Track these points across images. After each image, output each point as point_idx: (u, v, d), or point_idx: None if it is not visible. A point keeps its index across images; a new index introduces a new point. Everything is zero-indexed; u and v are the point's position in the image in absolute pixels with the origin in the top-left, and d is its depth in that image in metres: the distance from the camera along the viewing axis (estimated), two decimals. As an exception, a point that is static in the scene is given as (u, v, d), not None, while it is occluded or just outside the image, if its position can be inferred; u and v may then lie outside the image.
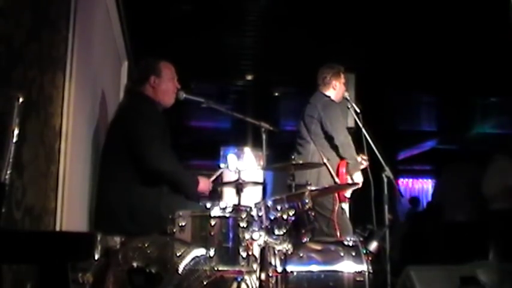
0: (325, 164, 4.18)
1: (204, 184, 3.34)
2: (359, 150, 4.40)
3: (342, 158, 4.28)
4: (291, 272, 2.73)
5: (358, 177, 4.27)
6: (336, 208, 4.14)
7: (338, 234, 4.04)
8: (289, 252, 2.76)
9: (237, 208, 2.77)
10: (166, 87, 3.41)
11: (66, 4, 2.72)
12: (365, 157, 4.40)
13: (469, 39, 5.90)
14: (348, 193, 4.34)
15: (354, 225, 4.21)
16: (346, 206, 4.52)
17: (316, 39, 6.09)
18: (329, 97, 4.43)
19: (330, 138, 4.27)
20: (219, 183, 3.65)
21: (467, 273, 3.30)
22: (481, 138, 9.05)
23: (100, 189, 3.25)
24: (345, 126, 4.41)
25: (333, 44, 6.07)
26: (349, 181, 4.27)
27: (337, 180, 4.22)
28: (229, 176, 3.74)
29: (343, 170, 4.27)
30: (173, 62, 3.53)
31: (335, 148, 4.26)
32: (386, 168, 4.17)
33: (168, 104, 3.44)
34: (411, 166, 12.01)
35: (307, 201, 2.95)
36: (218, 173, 3.66)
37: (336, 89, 4.46)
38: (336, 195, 4.17)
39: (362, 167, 4.37)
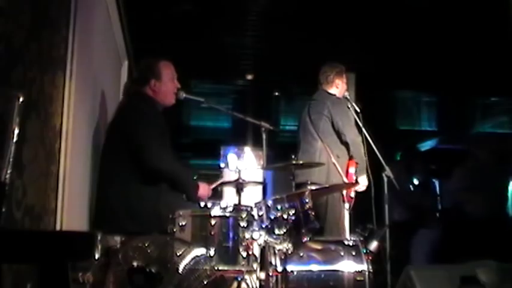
0: (333, 162, 4.15)
1: (204, 189, 3.33)
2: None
3: (351, 157, 4.27)
4: (291, 271, 2.73)
5: (363, 180, 4.27)
6: (343, 213, 4.15)
7: (346, 234, 4.06)
8: (290, 252, 2.76)
9: (237, 208, 2.77)
10: (167, 89, 3.40)
11: (66, 4, 2.72)
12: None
13: (469, 38, 5.90)
14: (352, 193, 4.33)
15: (354, 225, 4.21)
16: (347, 206, 4.52)
17: (316, 38, 6.09)
18: (334, 95, 4.42)
19: (340, 136, 4.25)
20: (223, 183, 3.65)
21: (467, 272, 3.29)
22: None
23: (100, 188, 3.25)
24: (354, 124, 4.38)
25: (333, 43, 6.07)
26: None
27: (345, 180, 4.21)
28: (229, 175, 3.74)
29: (352, 170, 4.26)
30: (173, 61, 3.52)
31: (345, 145, 4.24)
32: (387, 168, 4.18)
33: (168, 104, 3.44)
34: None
35: (307, 200, 2.95)
36: (219, 181, 3.64)
37: (338, 88, 4.46)
38: (344, 198, 4.17)
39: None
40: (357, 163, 4.25)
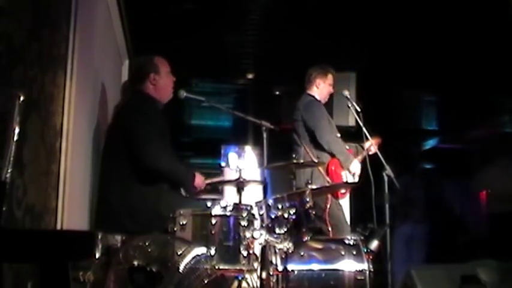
0: (316, 163, 4.15)
1: (199, 179, 3.35)
2: (362, 140, 4.40)
3: (332, 156, 4.28)
4: (292, 270, 2.73)
5: (355, 167, 4.27)
6: (328, 207, 4.13)
7: (330, 233, 4.04)
8: (290, 251, 2.76)
9: (237, 207, 2.78)
10: (165, 83, 3.43)
11: (66, 3, 2.72)
12: (373, 141, 4.37)
13: (470, 38, 5.89)
14: (342, 189, 4.32)
15: (355, 224, 4.21)
16: (345, 202, 4.51)
17: (317, 37, 6.08)
18: (313, 96, 4.43)
19: (315, 138, 4.26)
20: (217, 183, 3.66)
21: (468, 272, 3.30)
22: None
23: (101, 188, 3.25)
24: (328, 123, 4.36)
25: (333, 42, 6.06)
26: (344, 177, 4.27)
27: (328, 179, 4.21)
28: (230, 174, 3.75)
29: (332, 168, 4.26)
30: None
31: (322, 147, 4.25)
32: (387, 167, 4.17)
33: (167, 99, 3.46)
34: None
35: (308, 199, 2.95)
36: (216, 179, 3.65)
37: (319, 88, 4.46)
38: (329, 194, 4.16)
39: (372, 152, 4.36)
40: (339, 159, 4.25)
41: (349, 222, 4.52)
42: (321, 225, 4.05)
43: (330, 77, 4.49)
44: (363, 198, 4.24)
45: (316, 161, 4.17)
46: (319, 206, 4.09)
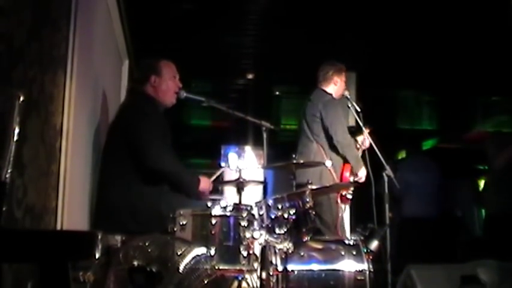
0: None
1: (205, 183, 3.33)
2: (357, 133, 4.40)
3: (345, 160, 4.26)
4: (292, 271, 2.73)
5: (363, 173, 4.26)
6: (340, 214, 4.13)
7: (347, 234, 4.06)
8: (290, 251, 2.76)
9: (237, 207, 2.77)
10: (167, 87, 3.40)
11: (67, 3, 2.72)
12: (366, 134, 4.37)
13: (470, 38, 5.89)
14: (349, 195, 4.31)
15: (355, 224, 4.21)
16: (346, 206, 4.51)
17: (317, 37, 6.09)
18: (330, 94, 4.41)
19: (330, 138, 4.25)
20: (220, 181, 3.65)
21: (467, 272, 3.30)
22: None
23: (101, 188, 3.25)
24: (345, 125, 4.36)
25: (333, 42, 6.07)
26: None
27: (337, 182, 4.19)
28: (230, 174, 3.75)
29: (346, 174, 4.25)
30: (174, 61, 3.52)
31: (335, 148, 4.24)
32: (387, 167, 4.17)
33: (169, 104, 3.44)
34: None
35: (308, 200, 2.95)
36: (219, 172, 3.65)
37: (336, 85, 4.43)
38: (339, 200, 4.15)
39: (365, 147, 4.36)
40: (350, 163, 4.24)
41: (349, 223, 4.53)
42: (328, 231, 4.05)
43: (344, 74, 4.49)
44: (363, 199, 4.24)
45: (326, 159, 4.14)
46: (329, 212, 4.08)
